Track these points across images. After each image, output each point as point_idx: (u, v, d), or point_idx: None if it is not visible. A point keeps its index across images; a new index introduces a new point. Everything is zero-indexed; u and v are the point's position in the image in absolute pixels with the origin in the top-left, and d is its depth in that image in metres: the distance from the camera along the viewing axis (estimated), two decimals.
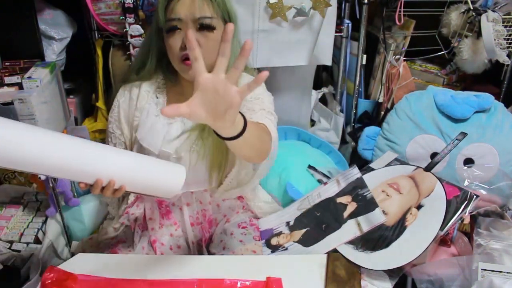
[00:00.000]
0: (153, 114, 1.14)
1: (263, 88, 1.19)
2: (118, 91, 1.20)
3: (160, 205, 1.22)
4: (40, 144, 0.76)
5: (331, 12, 1.44)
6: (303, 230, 1.16)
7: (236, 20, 1.11)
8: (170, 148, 1.12)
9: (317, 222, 1.16)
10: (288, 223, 1.21)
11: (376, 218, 1.10)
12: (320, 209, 1.19)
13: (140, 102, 1.15)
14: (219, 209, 1.26)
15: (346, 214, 1.14)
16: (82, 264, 1.02)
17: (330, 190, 1.23)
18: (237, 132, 0.80)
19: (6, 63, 1.26)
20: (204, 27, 1.04)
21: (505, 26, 1.45)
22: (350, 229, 1.11)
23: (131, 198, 1.23)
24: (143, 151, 1.13)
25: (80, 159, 0.82)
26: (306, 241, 1.13)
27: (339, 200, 1.19)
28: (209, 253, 1.20)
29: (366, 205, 1.14)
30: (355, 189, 1.19)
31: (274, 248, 1.15)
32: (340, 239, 1.10)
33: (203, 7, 1.02)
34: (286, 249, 1.14)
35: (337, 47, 1.60)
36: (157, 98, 1.16)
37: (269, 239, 1.18)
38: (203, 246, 1.21)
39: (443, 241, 1.14)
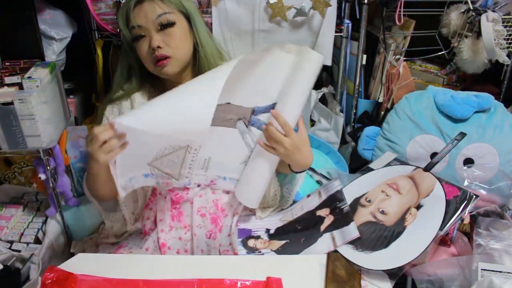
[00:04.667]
0: None
1: None
2: (106, 109, 1.21)
3: (172, 207, 1.21)
4: None
5: (331, 12, 1.44)
6: (283, 242, 1.16)
7: (195, 10, 1.16)
8: None
9: (297, 236, 1.16)
10: (268, 230, 1.21)
11: (349, 233, 1.09)
12: (301, 223, 1.20)
13: None
14: (229, 197, 1.24)
15: (323, 227, 1.15)
16: (82, 264, 1.02)
17: (312, 202, 1.24)
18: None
19: (6, 63, 1.26)
20: (165, 25, 1.09)
21: (505, 26, 1.45)
22: (325, 243, 1.11)
23: (141, 203, 1.23)
24: None
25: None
26: (284, 252, 1.13)
27: (318, 212, 1.20)
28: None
29: (342, 219, 1.14)
30: (334, 202, 1.19)
31: (250, 250, 1.15)
32: (316, 252, 1.09)
33: (156, 7, 1.08)
34: (263, 254, 1.14)
35: (337, 47, 1.60)
36: None
37: (246, 239, 1.18)
38: (214, 238, 1.20)
39: (443, 241, 1.14)
